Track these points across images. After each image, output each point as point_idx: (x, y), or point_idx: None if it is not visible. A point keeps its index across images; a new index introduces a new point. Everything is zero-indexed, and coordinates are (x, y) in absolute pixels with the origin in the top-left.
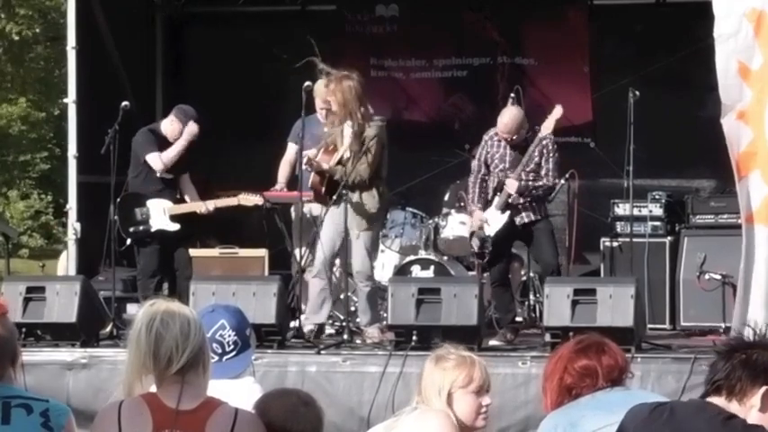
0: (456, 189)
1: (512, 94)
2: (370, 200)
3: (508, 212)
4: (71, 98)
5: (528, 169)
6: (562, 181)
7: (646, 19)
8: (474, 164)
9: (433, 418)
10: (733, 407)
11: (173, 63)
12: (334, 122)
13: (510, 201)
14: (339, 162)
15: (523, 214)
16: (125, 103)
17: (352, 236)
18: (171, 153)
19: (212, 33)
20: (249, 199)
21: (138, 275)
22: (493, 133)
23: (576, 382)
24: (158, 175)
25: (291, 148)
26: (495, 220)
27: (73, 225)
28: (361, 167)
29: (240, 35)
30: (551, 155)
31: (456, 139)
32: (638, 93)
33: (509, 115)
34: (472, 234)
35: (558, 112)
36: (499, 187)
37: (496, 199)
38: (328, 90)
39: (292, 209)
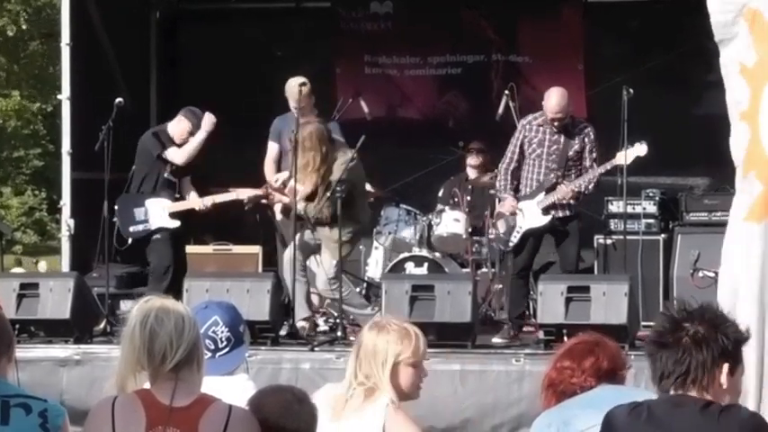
0: (450, 186)
1: (506, 92)
2: (337, 235)
3: (550, 216)
4: (65, 94)
5: (569, 156)
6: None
7: (640, 16)
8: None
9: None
10: (707, 395)
11: (167, 60)
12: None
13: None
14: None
15: (559, 209)
16: (119, 99)
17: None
18: (191, 146)
19: (207, 30)
20: (247, 192)
21: (151, 272)
22: (531, 118)
23: (559, 380)
24: (166, 175)
25: (273, 147)
26: (533, 216)
27: (66, 221)
28: (325, 209)
29: (235, 32)
30: (594, 144)
31: (450, 137)
32: (631, 90)
33: (556, 94)
34: (499, 215)
35: (642, 149)
36: (550, 187)
37: (541, 195)
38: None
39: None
